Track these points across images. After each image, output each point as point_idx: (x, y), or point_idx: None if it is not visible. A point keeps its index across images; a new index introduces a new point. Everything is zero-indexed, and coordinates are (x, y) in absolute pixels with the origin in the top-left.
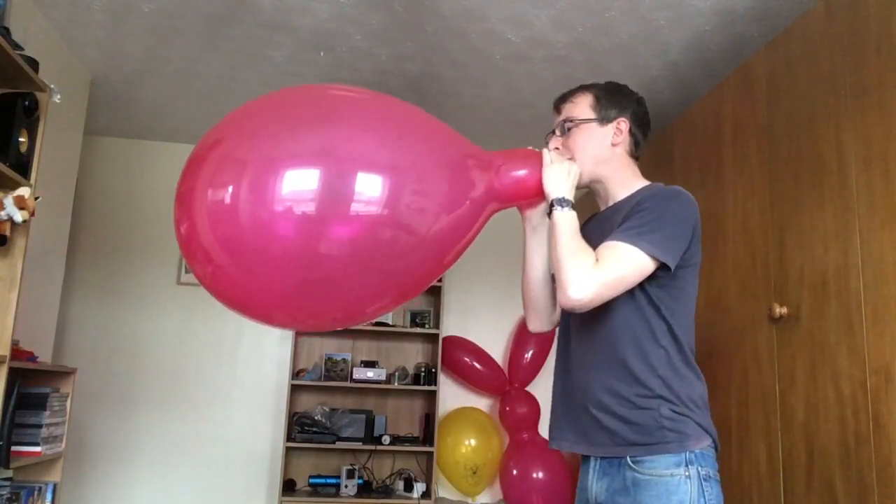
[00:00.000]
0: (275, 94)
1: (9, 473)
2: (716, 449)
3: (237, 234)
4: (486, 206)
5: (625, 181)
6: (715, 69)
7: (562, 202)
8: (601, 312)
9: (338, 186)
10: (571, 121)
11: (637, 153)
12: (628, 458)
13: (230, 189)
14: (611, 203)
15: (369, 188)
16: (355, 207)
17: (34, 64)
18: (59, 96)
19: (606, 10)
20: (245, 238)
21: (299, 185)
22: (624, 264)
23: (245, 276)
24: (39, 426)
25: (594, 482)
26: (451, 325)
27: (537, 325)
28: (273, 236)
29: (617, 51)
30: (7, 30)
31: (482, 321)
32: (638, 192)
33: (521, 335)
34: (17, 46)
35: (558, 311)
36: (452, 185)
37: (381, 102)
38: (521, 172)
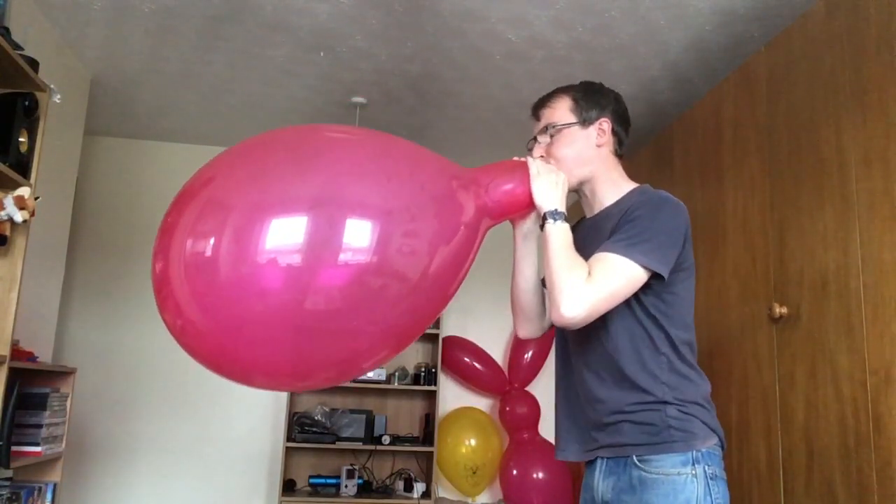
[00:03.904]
0: (265, 136)
1: (9, 473)
2: (722, 448)
3: (216, 289)
4: (479, 227)
5: (612, 183)
6: (715, 69)
7: (554, 214)
8: (598, 324)
9: (333, 237)
10: (553, 126)
11: (621, 151)
12: (634, 457)
13: (212, 240)
14: (598, 209)
15: (366, 237)
16: (352, 258)
17: (34, 64)
18: (59, 96)
19: (606, 10)
20: (226, 294)
21: (289, 237)
22: (617, 278)
23: (223, 335)
24: (39, 426)
25: (600, 481)
26: (451, 325)
27: (527, 331)
28: (261, 291)
29: (617, 51)
30: (7, 30)
31: (482, 321)
32: (626, 196)
33: None
34: (17, 46)
35: (548, 316)
36: (446, 216)
37: (368, 141)
38: (510, 187)
